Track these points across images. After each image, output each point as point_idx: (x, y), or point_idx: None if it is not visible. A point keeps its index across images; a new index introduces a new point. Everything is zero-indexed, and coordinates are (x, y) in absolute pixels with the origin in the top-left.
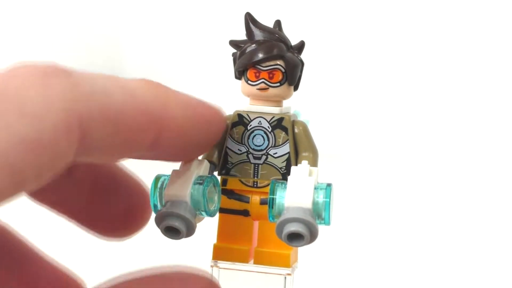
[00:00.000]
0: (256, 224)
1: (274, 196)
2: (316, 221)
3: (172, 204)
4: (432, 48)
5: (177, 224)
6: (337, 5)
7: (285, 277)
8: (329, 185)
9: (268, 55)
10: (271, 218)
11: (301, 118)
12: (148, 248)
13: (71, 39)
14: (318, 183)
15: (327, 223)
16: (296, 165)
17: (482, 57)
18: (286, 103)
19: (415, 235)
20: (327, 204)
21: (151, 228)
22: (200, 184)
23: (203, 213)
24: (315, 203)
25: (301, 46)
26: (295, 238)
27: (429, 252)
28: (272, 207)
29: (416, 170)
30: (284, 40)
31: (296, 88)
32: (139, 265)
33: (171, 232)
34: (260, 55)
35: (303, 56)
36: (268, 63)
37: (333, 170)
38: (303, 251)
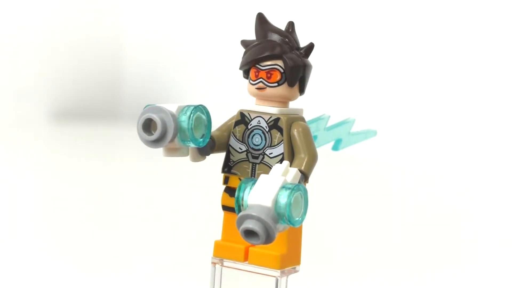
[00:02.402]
0: None
1: (240, 193)
2: (280, 221)
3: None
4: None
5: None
6: (352, 8)
7: (277, 279)
8: (297, 186)
9: (265, 55)
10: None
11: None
12: (148, 246)
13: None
14: (290, 183)
15: (293, 224)
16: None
17: (485, 67)
18: (292, 104)
19: (416, 235)
20: (289, 205)
21: (151, 228)
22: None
23: (190, 142)
24: (276, 203)
25: (308, 48)
26: (250, 235)
27: (430, 251)
28: (238, 203)
29: (416, 169)
30: (291, 41)
31: (302, 91)
32: (139, 263)
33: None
34: (259, 55)
35: (316, 58)
36: (266, 63)
37: (332, 169)
38: (304, 252)
